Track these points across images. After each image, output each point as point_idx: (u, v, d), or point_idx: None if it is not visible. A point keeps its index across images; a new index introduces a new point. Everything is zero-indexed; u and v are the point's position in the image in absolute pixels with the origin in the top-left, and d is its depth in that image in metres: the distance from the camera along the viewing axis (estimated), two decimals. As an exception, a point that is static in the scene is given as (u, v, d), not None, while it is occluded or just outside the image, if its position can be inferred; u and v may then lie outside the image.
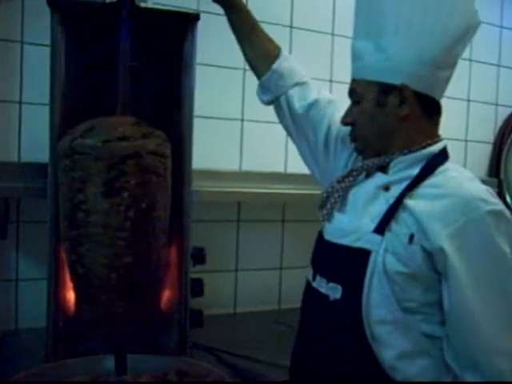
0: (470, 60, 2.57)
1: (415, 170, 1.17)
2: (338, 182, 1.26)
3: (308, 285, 1.29)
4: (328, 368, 1.20)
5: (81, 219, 1.32)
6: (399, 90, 1.16)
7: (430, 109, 1.21)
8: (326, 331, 1.20)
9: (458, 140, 2.58)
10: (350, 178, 1.25)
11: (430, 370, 1.14)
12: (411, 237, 1.11)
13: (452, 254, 1.07)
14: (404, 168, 1.19)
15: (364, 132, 1.23)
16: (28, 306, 1.83)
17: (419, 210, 1.12)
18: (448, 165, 1.20)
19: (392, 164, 1.20)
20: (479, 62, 2.61)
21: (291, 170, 2.23)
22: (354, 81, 1.25)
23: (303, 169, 2.26)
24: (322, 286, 1.22)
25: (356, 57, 1.24)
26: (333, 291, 1.18)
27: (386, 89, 1.18)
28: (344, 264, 1.19)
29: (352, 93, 1.25)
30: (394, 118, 1.18)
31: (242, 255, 2.22)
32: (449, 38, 1.17)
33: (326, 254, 1.26)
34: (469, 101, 2.60)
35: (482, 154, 2.70)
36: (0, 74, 1.80)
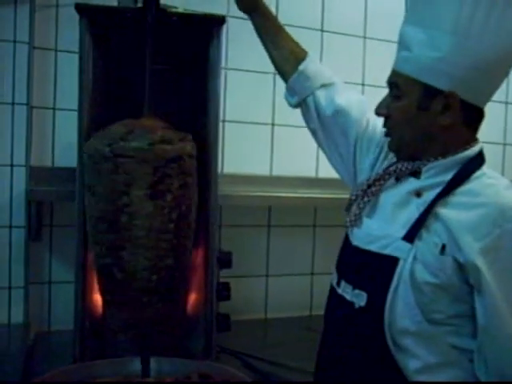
0: None
1: (449, 176, 1.11)
2: (369, 185, 1.21)
3: (332, 290, 1.26)
4: (351, 376, 1.17)
5: (124, 222, 1.33)
6: (445, 96, 1.08)
7: (473, 117, 1.13)
8: (350, 339, 1.17)
9: (496, 143, 2.51)
10: (381, 182, 1.20)
11: (457, 380, 1.10)
12: (443, 247, 1.07)
13: (486, 269, 1.03)
14: (437, 173, 1.13)
15: (399, 132, 1.16)
16: (60, 308, 1.86)
17: (452, 221, 1.07)
18: (484, 170, 1.13)
19: (425, 169, 1.14)
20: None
21: (322, 174, 2.21)
22: (396, 73, 1.14)
23: (334, 173, 2.22)
24: (347, 292, 1.18)
25: (403, 45, 1.13)
26: (358, 298, 1.15)
27: (431, 92, 1.08)
28: (370, 271, 1.15)
29: (392, 85, 1.15)
30: (433, 125, 1.11)
31: (272, 260, 2.20)
32: (510, 42, 1.08)
33: (353, 259, 1.22)
34: (507, 103, 2.53)
35: None
36: (35, 81, 1.84)
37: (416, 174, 1.16)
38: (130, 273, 1.36)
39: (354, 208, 1.22)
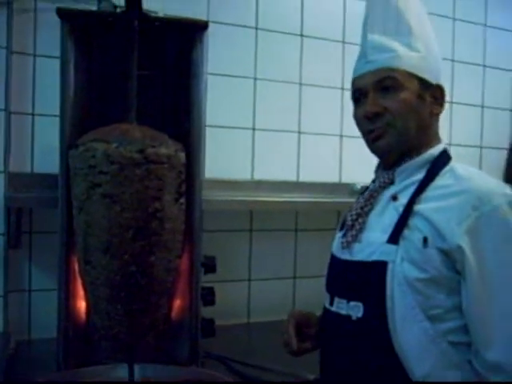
0: (484, 66, 2.55)
1: (420, 175, 1.17)
2: (362, 207, 1.23)
3: (326, 312, 1.26)
4: None
5: (155, 227, 1.33)
6: (435, 88, 1.21)
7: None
8: (353, 351, 1.16)
9: (472, 146, 2.56)
10: (371, 200, 1.23)
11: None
12: (425, 240, 1.09)
13: (468, 252, 1.05)
14: (409, 174, 1.19)
15: (402, 122, 1.17)
16: (41, 316, 1.83)
17: (430, 212, 1.10)
18: (452, 164, 1.19)
19: (397, 173, 1.20)
20: (493, 67, 2.59)
21: (304, 178, 2.23)
22: (390, 69, 1.19)
23: (315, 177, 2.26)
24: (341, 307, 1.18)
25: (381, 49, 1.20)
26: (354, 310, 1.15)
27: (425, 84, 1.19)
28: (362, 280, 1.16)
29: (385, 80, 1.18)
30: (429, 114, 1.20)
31: (254, 264, 2.21)
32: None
33: (343, 274, 1.22)
34: (483, 107, 2.56)
35: (497, 160, 2.66)
36: (13, 86, 1.81)
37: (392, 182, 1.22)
38: (153, 277, 1.36)
39: (352, 231, 1.22)
